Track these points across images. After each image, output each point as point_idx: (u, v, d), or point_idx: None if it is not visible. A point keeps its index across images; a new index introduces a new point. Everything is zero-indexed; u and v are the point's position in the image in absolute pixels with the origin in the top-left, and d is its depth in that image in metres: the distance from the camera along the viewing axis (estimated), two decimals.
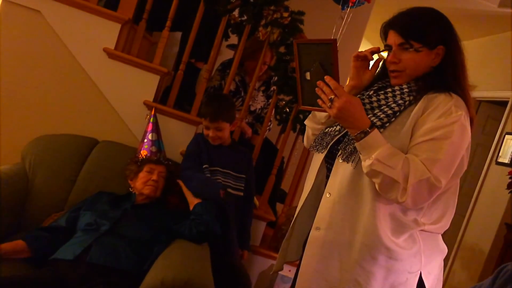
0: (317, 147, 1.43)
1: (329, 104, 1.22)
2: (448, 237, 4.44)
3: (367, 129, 1.22)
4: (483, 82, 4.48)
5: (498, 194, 3.98)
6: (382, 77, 1.42)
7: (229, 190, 2.10)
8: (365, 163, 1.22)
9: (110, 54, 2.32)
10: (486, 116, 4.70)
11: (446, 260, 4.38)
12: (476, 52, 4.76)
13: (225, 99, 2.20)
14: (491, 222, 3.97)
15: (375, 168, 1.20)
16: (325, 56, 1.21)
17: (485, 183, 4.27)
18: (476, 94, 4.63)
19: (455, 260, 4.33)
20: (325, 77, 1.22)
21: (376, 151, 1.20)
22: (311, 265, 1.36)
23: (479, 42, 4.81)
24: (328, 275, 1.33)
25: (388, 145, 1.22)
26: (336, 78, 1.22)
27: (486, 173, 4.29)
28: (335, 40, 1.19)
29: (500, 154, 4.16)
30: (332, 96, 1.21)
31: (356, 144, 1.25)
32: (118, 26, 2.32)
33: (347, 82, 1.44)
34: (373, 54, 1.39)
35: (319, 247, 1.34)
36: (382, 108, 1.31)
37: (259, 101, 2.95)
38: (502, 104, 4.44)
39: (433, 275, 1.36)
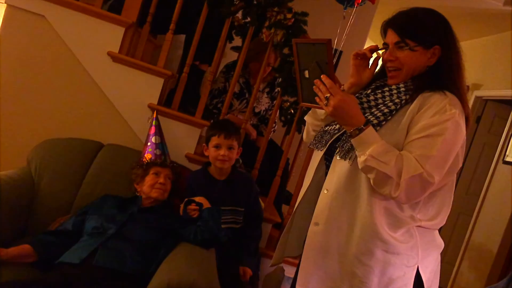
0: (317, 144, 1.48)
1: (325, 102, 1.27)
2: (456, 237, 4.41)
3: (362, 126, 1.26)
4: (490, 81, 4.44)
5: (506, 193, 3.95)
6: (381, 75, 1.46)
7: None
8: (360, 159, 1.26)
9: (114, 58, 2.32)
10: (493, 115, 4.66)
11: (453, 260, 4.36)
12: (482, 51, 4.73)
13: (233, 123, 2.19)
14: (498, 221, 3.93)
15: (369, 164, 1.24)
16: (321, 56, 1.25)
17: (492, 183, 4.24)
18: (482, 93, 4.59)
19: (462, 260, 4.29)
20: (321, 76, 1.26)
21: (370, 147, 1.25)
22: (311, 259, 1.40)
23: (485, 40, 4.78)
24: (327, 268, 1.37)
25: (383, 141, 1.26)
26: (331, 76, 1.25)
27: (493, 173, 4.25)
28: (329, 40, 1.22)
29: (507, 153, 4.12)
30: (328, 95, 1.25)
31: (352, 141, 1.29)
32: (122, 30, 2.32)
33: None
34: (372, 52, 1.43)
35: (319, 241, 1.38)
36: (379, 106, 1.35)
37: (264, 103, 2.95)
38: (509, 103, 4.41)
39: (430, 269, 1.40)
